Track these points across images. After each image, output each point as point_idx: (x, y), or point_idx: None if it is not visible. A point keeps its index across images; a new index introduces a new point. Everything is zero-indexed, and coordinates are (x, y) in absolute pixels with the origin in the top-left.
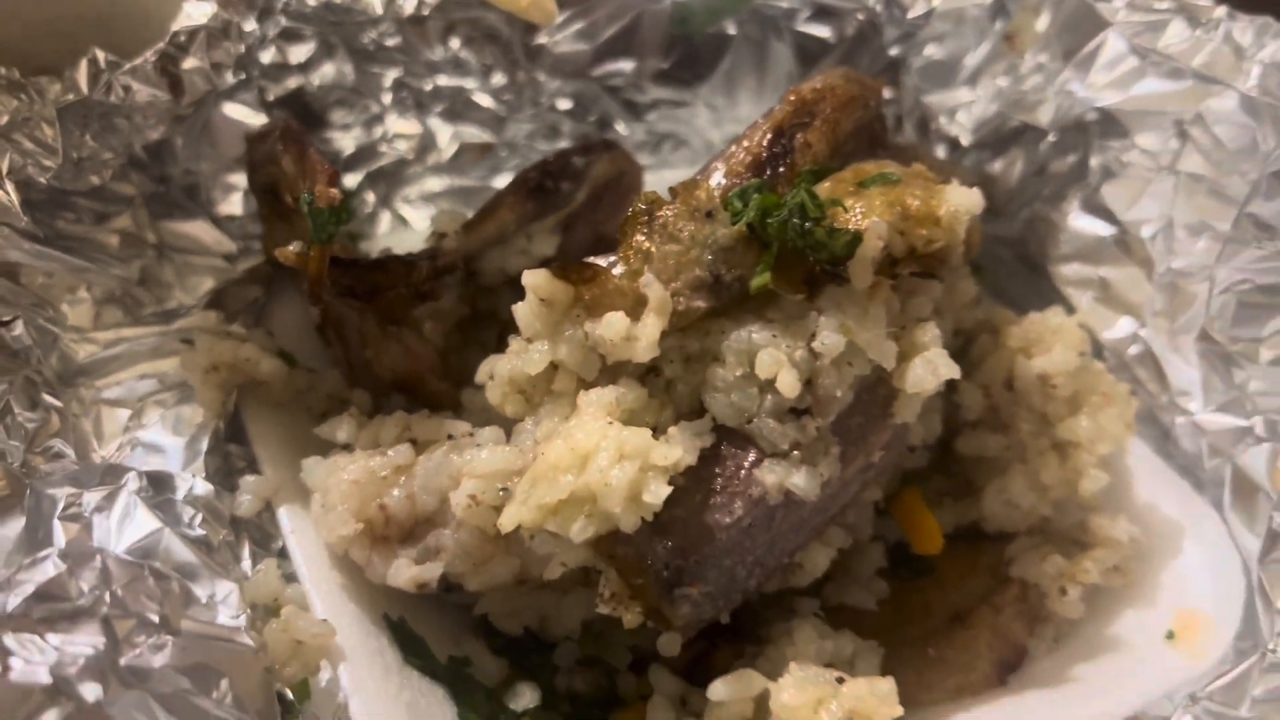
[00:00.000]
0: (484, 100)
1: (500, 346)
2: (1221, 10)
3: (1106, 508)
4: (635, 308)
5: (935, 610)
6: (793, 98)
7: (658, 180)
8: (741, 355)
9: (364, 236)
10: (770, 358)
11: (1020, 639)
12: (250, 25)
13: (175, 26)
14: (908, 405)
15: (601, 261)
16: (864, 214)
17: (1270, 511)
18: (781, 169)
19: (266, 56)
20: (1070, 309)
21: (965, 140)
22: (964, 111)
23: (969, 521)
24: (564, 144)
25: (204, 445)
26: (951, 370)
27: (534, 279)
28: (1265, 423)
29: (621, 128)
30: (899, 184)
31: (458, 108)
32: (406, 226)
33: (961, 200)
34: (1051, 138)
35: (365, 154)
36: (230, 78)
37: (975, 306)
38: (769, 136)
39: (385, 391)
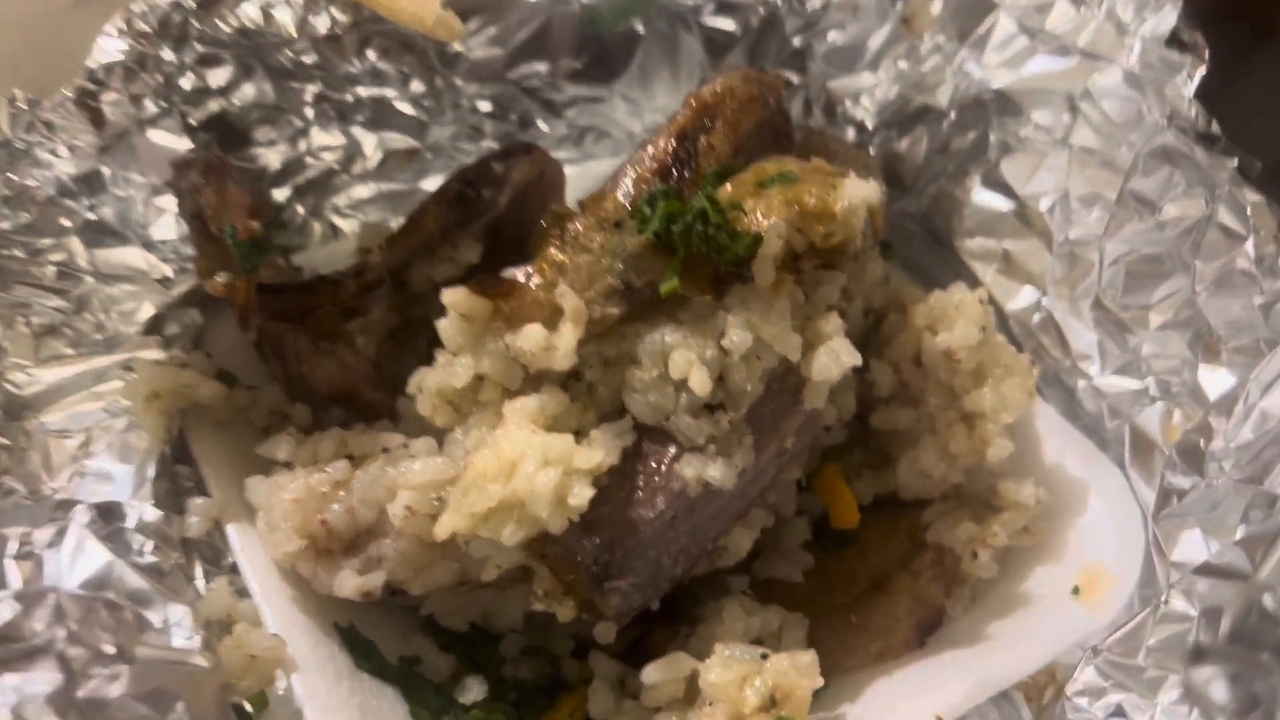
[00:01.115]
0: (405, 107)
1: (431, 352)
2: None
3: (1015, 471)
4: (552, 318)
5: (858, 578)
6: (694, 102)
7: (583, 172)
8: (656, 357)
9: (297, 249)
10: (682, 358)
11: (938, 601)
12: (167, 54)
13: (91, 63)
14: (816, 392)
15: (518, 274)
16: (764, 215)
17: (1162, 469)
18: (687, 173)
19: (186, 83)
20: (975, 281)
21: (870, 123)
22: (867, 95)
23: (887, 491)
24: (487, 143)
25: (151, 471)
26: (854, 358)
27: (453, 297)
28: (1158, 383)
29: (543, 125)
30: (797, 182)
31: (380, 116)
32: (338, 236)
33: (856, 193)
34: (952, 116)
35: (292, 168)
36: (151, 106)
37: (884, 285)
38: (673, 142)
39: (324, 404)
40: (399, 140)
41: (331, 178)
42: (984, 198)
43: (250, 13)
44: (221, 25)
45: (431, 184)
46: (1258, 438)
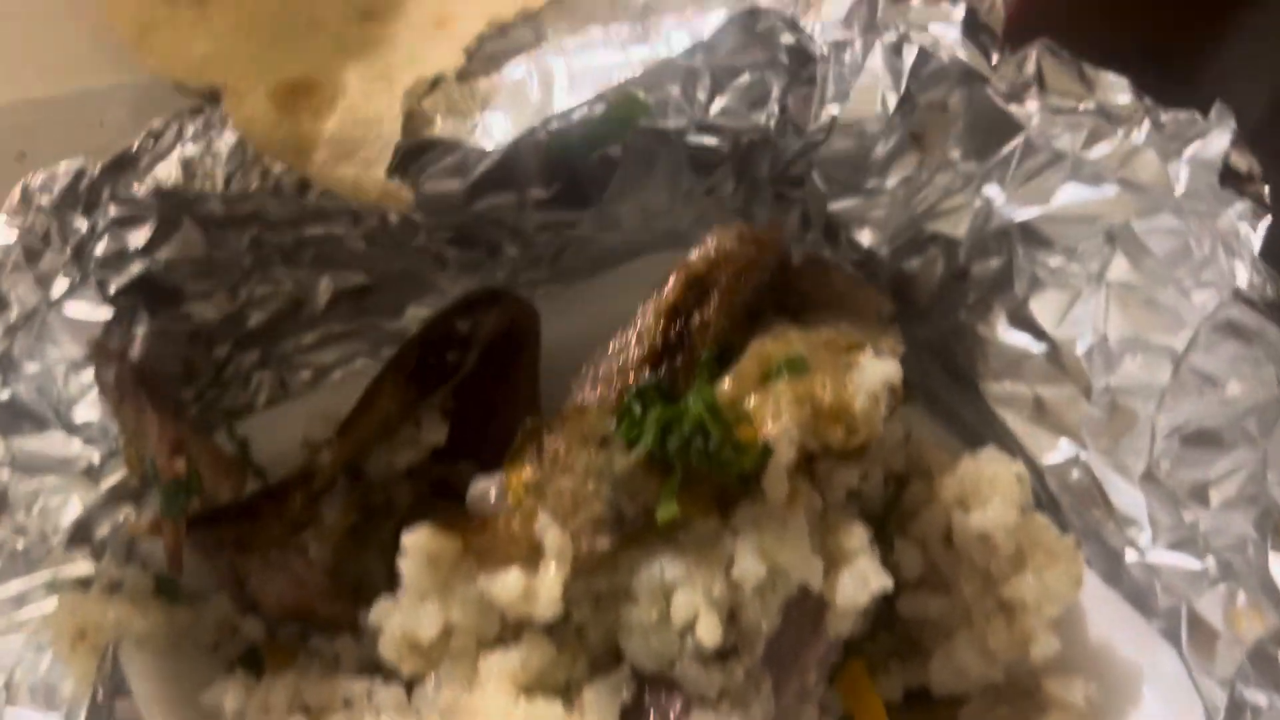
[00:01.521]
0: (357, 245)
1: (397, 542)
2: (1142, 107)
3: (1064, 664)
4: (532, 555)
5: None
6: (682, 274)
7: (563, 292)
8: (655, 595)
9: (243, 414)
10: (686, 600)
11: None
12: (76, 223)
13: None
14: (841, 620)
15: (490, 491)
16: (772, 417)
17: (1234, 679)
18: (679, 359)
19: (100, 248)
20: (1005, 432)
21: (879, 251)
22: (872, 221)
23: (919, 684)
24: (452, 272)
25: (81, 717)
26: (884, 581)
27: (414, 540)
28: (1218, 563)
29: (513, 250)
30: (807, 372)
31: (328, 255)
32: (288, 391)
33: (876, 377)
34: (970, 245)
35: (231, 321)
36: (63, 281)
37: (904, 447)
38: (662, 324)
39: (278, 620)
40: (350, 278)
41: (276, 326)
42: (1011, 336)
43: (168, 171)
44: (137, 186)
45: (392, 322)
46: None
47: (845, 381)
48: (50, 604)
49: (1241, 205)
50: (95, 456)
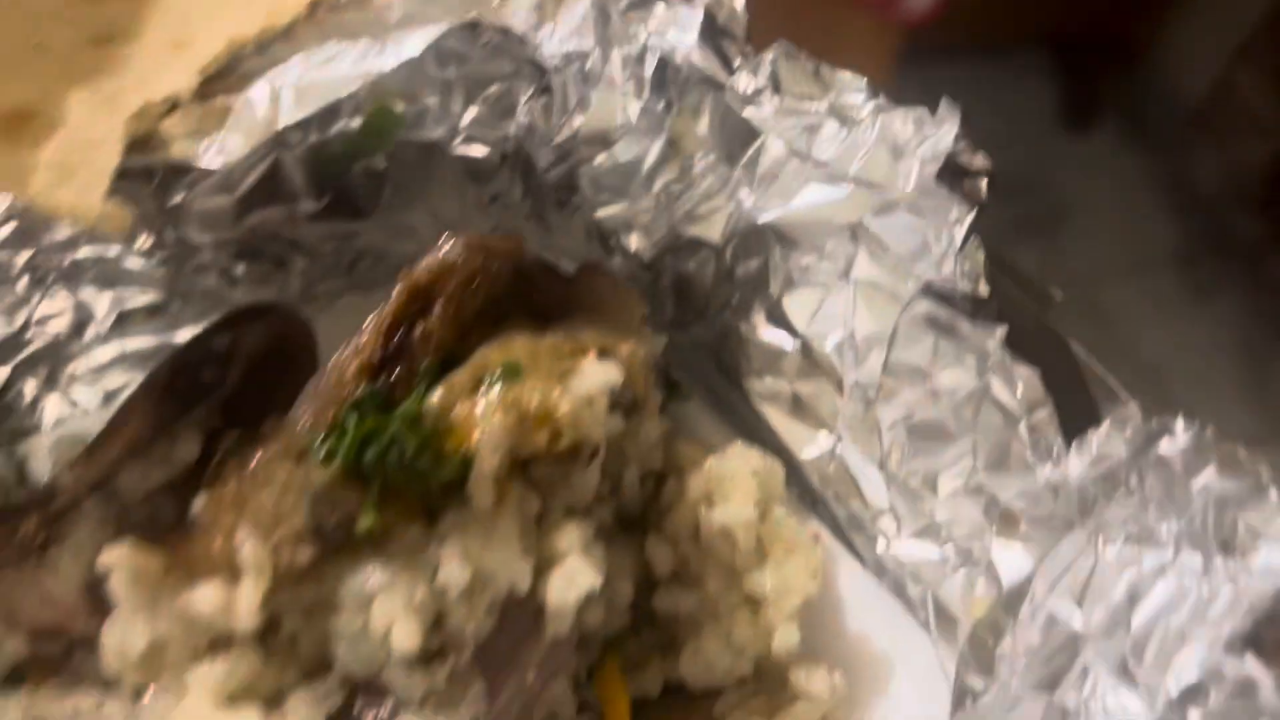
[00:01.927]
0: (135, 264)
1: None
2: (873, 105)
3: (813, 646)
4: (234, 568)
5: None
6: (403, 285)
7: (364, 302)
8: (358, 605)
9: (28, 432)
10: (384, 608)
11: None
12: None
13: None
14: (556, 620)
15: (198, 504)
16: (480, 424)
17: (957, 665)
18: (399, 370)
19: None
20: (766, 428)
21: (646, 254)
22: (638, 226)
23: (677, 678)
24: (242, 287)
25: None
26: (591, 579)
27: (115, 557)
28: (957, 550)
29: (300, 263)
30: (520, 378)
31: (108, 275)
32: (79, 409)
33: (589, 384)
34: (731, 246)
35: (11, 344)
36: None
37: (660, 446)
38: (380, 339)
39: (37, 641)
40: (137, 295)
41: (62, 347)
42: (769, 335)
43: None
44: None
45: (186, 335)
46: (1045, 642)
47: (557, 387)
48: None
49: (957, 200)
50: None
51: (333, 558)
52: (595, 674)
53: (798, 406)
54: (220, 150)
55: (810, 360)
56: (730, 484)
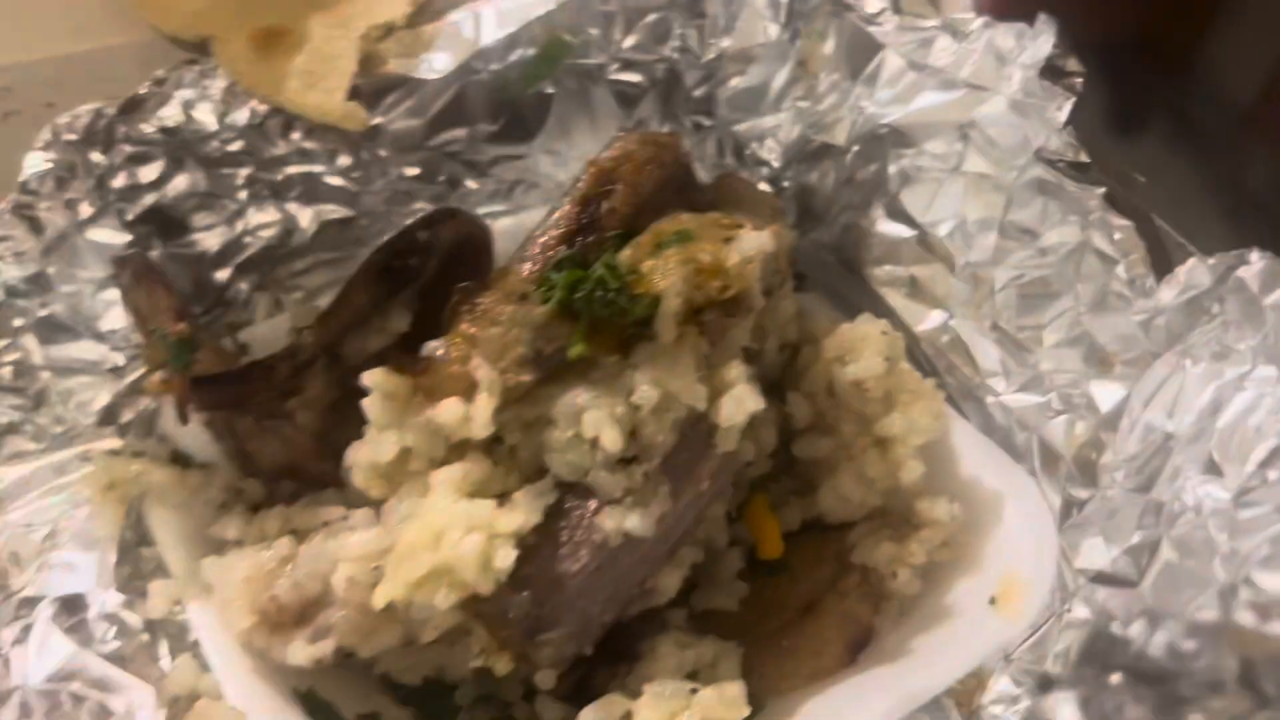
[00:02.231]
0: (335, 180)
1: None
2: (980, 21)
3: (932, 489)
4: (469, 390)
5: (789, 602)
6: (592, 169)
7: (516, 225)
8: (570, 418)
9: (243, 324)
10: (593, 418)
11: (865, 619)
12: (97, 158)
13: (22, 177)
14: (726, 436)
15: (437, 349)
16: (661, 275)
17: (1064, 481)
18: (591, 238)
19: (118, 182)
20: (885, 308)
21: (777, 162)
22: (771, 137)
23: (814, 516)
24: (420, 205)
25: (112, 557)
26: (756, 403)
27: (373, 378)
28: (1059, 396)
29: (471, 183)
30: (693, 240)
31: (311, 190)
32: (282, 308)
33: (750, 246)
34: (853, 151)
35: (231, 248)
36: (88, 208)
37: (797, 321)
38: (575, 209)
39: (274, 478)
40: (333, 211)
41: (271, 253)
42: (888, 227)
43: (171, 112)
44: (145, 127)
45: (369, 249)
46: (1142, 449)
47: (724, 247)
48: (85, 469)
49: (1055, 89)
50: (120, 359)
51: (547, 383)
52: (744, 511)
53: (914, 288)
54: (429, 68)
55: (926, 246)
56: (861, 343)
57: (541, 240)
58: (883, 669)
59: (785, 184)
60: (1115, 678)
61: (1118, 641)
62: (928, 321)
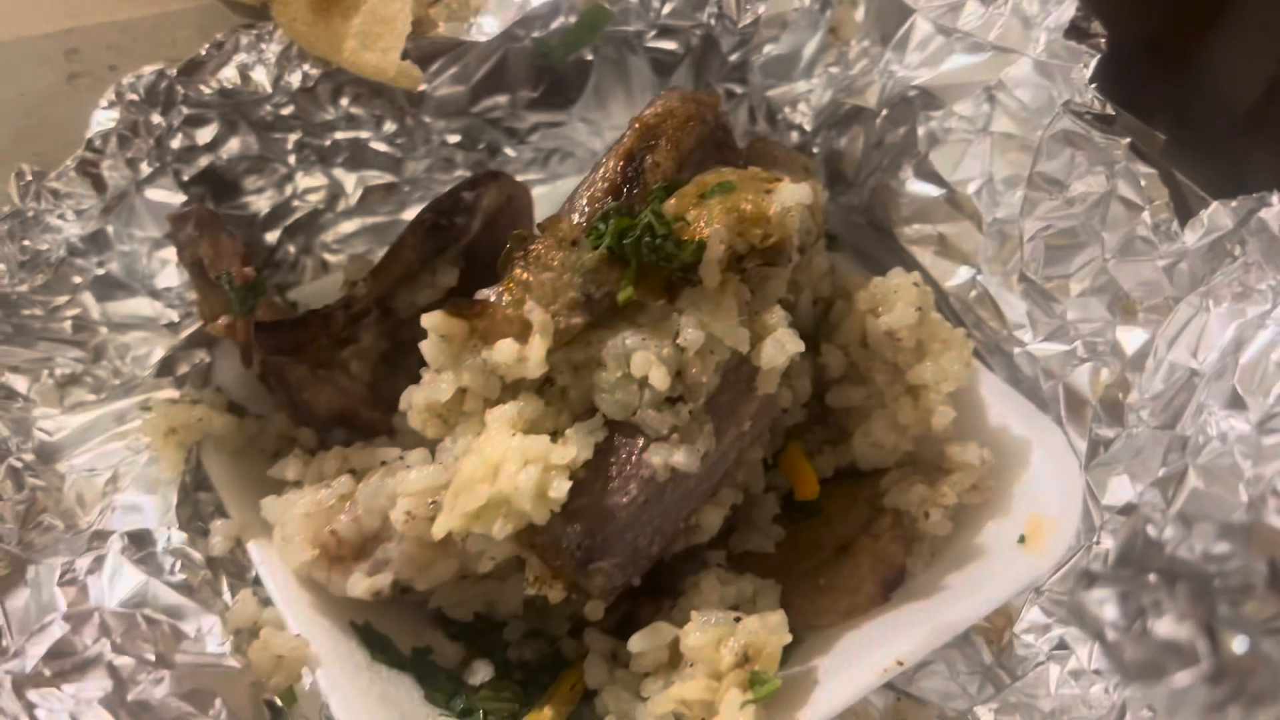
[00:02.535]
0: (380, 146)
1: (423, 370)
2: None
3: (962, 436)
4: (523, 332)
5: (824, 544)
6: (637, 125)
7: (552, 191)
8: (619, 359)
9: (291, 285)
10: (642, 358)
11: (898, 559)
12: (156, 119)
13: (89, 134)
14: (767, 379)
15: (490, 295)
16: (706, 223)
17: (1090, 422)
18: (636, 189)
19: (176, 143)
20: (915, 265)
21: (809, 126)
22: (804, 101)
23: (847, 462)
24: (460, 172)
25: (174, 499)
26: (797, 345)
27: (431, 320)
28: (1085, 345)
29: (509, 150)
30: (735, 191)
31: (357, 156)
32: (329, 270)
33: (790, 196)
34: (882, 114)
35: (280, 211)
36: (146, 168)
37: (830, 275)
38: (621, 163)
39: (327, 426)
40: (377, 177)
41: (317, 217)
42: (917, 187)
43: (229, 74)
44: (204, 88)
45: (411, 214)
46: (1167, 387)
47: (765, 197)
48: (145, 417)
49: (1080, 48)
50: (175, 315)
51: (596, 326)
52: (780, 458)
53: (943, 245)
54: (478, 30)
55: (954, 204)
56: (894, 295)
57: (589, 192)
58: (916, 605)
59: (815, 149)
60: (1151, 576)
61: (1153, 544)
62: (956, 277)
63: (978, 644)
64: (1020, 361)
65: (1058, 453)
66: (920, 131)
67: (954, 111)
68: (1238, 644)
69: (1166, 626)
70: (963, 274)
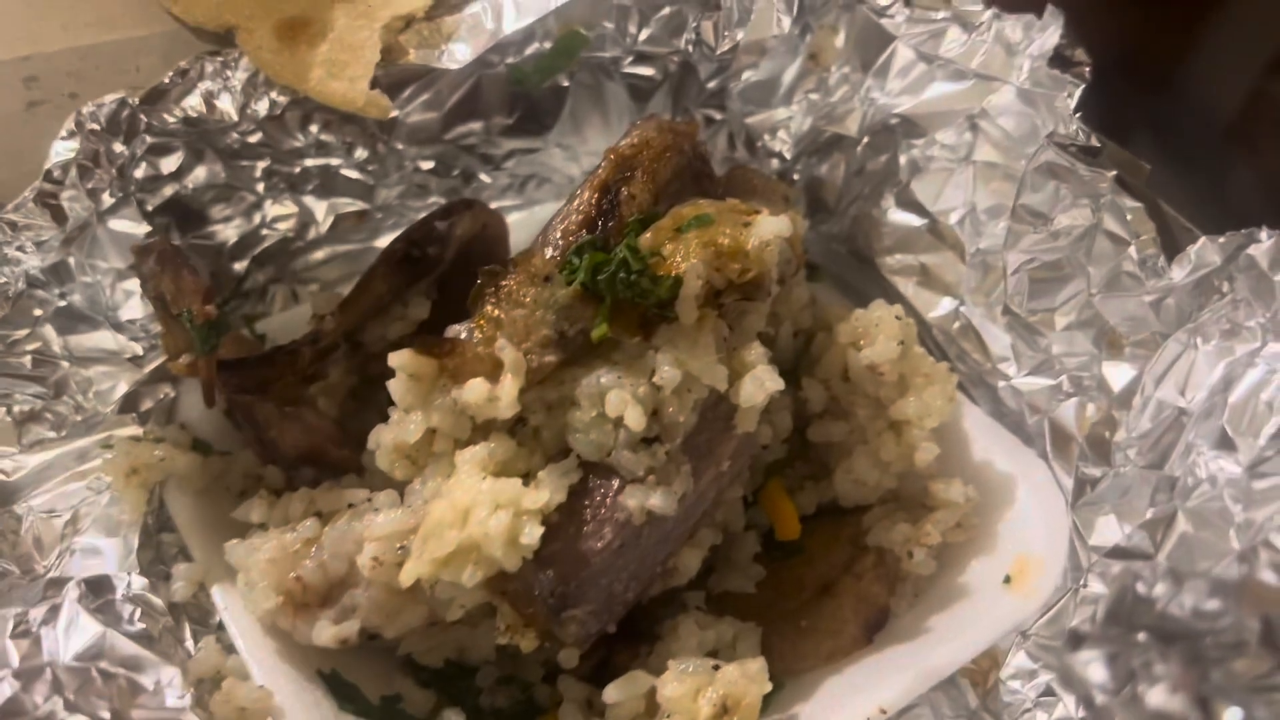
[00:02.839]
0: (351, 173)
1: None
2: (989, 13)
3: (945, 472)
4: (494, 371)
5: (806, 584)
6: (612, 156)
7: (529, 218)
8: (594, 398)
9: (260, 316)
10: (617, 398)
11: (881, 600)
12: (119, 148)
13: (48, 164)
14: (746, 417)
15: (460, 331)
16: (683, 258)
17: (1076, 460)
18: (611, 223)
19: (139, 172)
20: (897, 296)
21: (789, 154)
22: (784, 128)
23: (829, 499)
24: (434, 199)
25: (135, 542)
26: (776, 383)
27: (400, 359)
28: (1070, 379)
29: (485, 177)
30: (712, 224)
31: (328, 184)
32: (299, 300)
33: (768, 230)
34: (864, 142)
35: (249, 240)
36: (108, 198)
37: (810, 307)
38: (595, 196)
39: (294, 465)
40: (349, 204)
41: (287, 245)
42: (899, 216)
43: (193, 102)
44: (168, 117)
45: (384, 242)
46: (1155, 426)
47: (743, 230)
48: (107, 456)
49: (1064, 77)
50: (139, 348)
51: (570, 364)
52: (759, 496)
53: (925, 275)
54: (450, 58)
55: (937, 234)
56: (875, 328)
57: (563, 225)
58: (899, 648)
59: (795, 177)
60: (1141, 636)
61: (1142, 602)
62: (939, 308)
63: (963, 686)
64: (1004, 395)
65: (1043, 489)
66: (902, 160)
67: (936, 140)
68: (1230, 716)
69: (1159, 696)
70: (945, 305)
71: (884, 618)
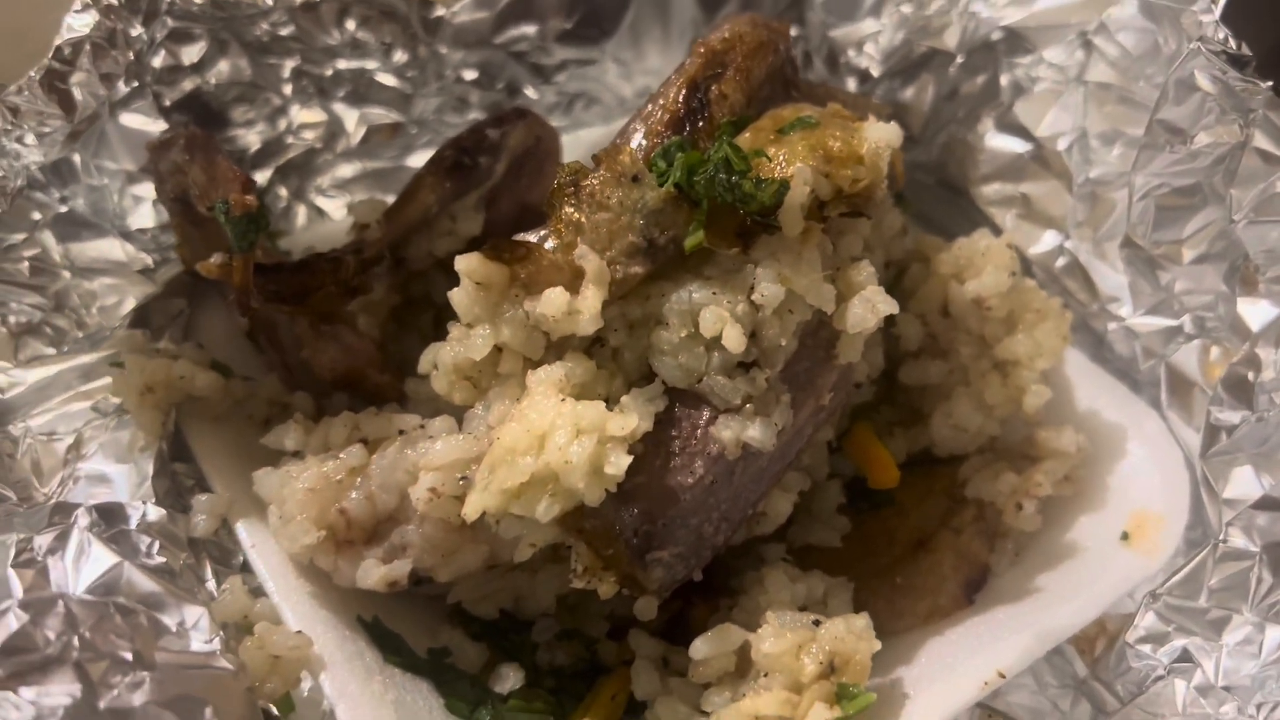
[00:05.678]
0: (387, 79)
1: (437, 331)
2: None
3: (1050, 420)
4: (573, 281)
5: (898, 538)
6: (702, 50)
7: (574, 141)
8: (684, 316)
9: (282, 233)
10: (713, 315)
11: (982, 557)
12: (136, 30)
13: (57, 41)
14: (851, 345)
15: (533, 237)
16: (787, 161)
17: (1207, 406)
18: (700, 123)
19: (158, 61)
20: (995, 229)
21: (875, 71)
22: (871, 42)
23: (920, 448)
24: (474, 115)
25: (150, 469)
26: (890, 306)
27: (467, 264)
28: (1193, 320)
29: (531, 92)
30: (818, 127)
31: (361, 90)
32: (324, 217)
33: (882, 135)
34: (960, 60)
35: (272, 148)
36: (123, 87)
37: (904, 237)
38: (684, 92)
39: (327, 391)
40: (382, 115)
41: (314, 157)
42: (999, 141)
43: None
44: None
45: (417, 160)
46: None
47: (853, 135)
48: (114, 375)
49: None
50: (150, 260)
51: (656, 279)
52: (845, 441)
53: (1027, 207)
54: None
55: (1041, 161)
56: (982, 258)
57: (647, 124)
58: (1007, 609)
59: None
60: None
61: None
62: (1041, 244)
63: (1069, 653)
64: (1114, 338)
65: (1157, 440)
66: (1004, 80)
67: (1043, 58)
68: None
69: None
70: (1048, 240)
71: (985, 576)
